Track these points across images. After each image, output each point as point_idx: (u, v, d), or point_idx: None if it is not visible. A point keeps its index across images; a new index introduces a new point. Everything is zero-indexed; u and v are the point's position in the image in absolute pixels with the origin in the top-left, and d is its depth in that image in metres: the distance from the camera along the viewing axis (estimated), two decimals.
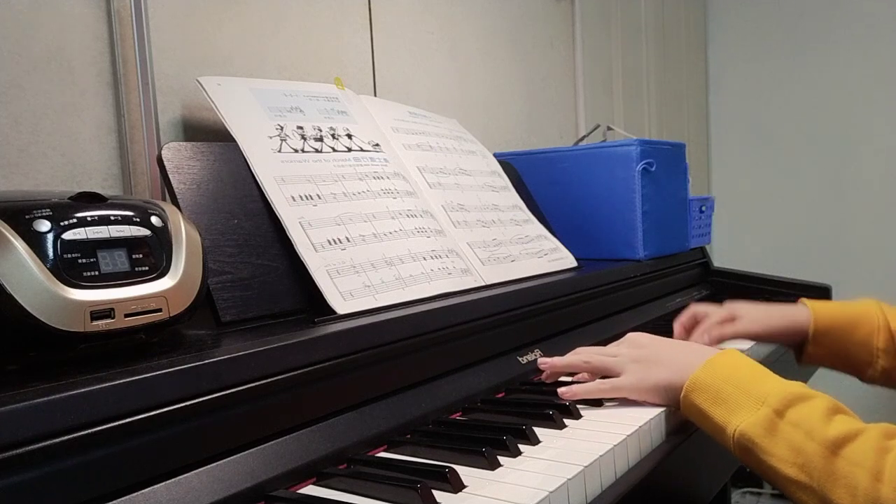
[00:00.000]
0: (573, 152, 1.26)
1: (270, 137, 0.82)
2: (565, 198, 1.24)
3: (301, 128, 0.86)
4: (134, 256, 0.55)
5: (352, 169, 0.87)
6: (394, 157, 0.95)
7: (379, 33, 1.21)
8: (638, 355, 0.74)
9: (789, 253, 2.50)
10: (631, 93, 2.08)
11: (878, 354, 0.89)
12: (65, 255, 0.51)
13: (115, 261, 0.53)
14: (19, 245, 0.49)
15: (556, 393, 0.73)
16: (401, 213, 0.87)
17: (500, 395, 0.78)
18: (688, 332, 0.95)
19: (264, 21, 1.01)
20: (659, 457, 0.66)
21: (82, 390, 0.44)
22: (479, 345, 0.79)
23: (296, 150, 0.83)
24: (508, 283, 0.92)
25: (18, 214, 0.50)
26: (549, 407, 0.69)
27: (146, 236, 0.56)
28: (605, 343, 0.82)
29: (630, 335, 0.80)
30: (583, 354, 0.78)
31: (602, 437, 0.63)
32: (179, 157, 0.74)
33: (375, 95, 1.20)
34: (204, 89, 0.82)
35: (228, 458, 0.52)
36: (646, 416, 0.68)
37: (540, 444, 0.62)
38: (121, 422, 0.46)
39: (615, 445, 0.61)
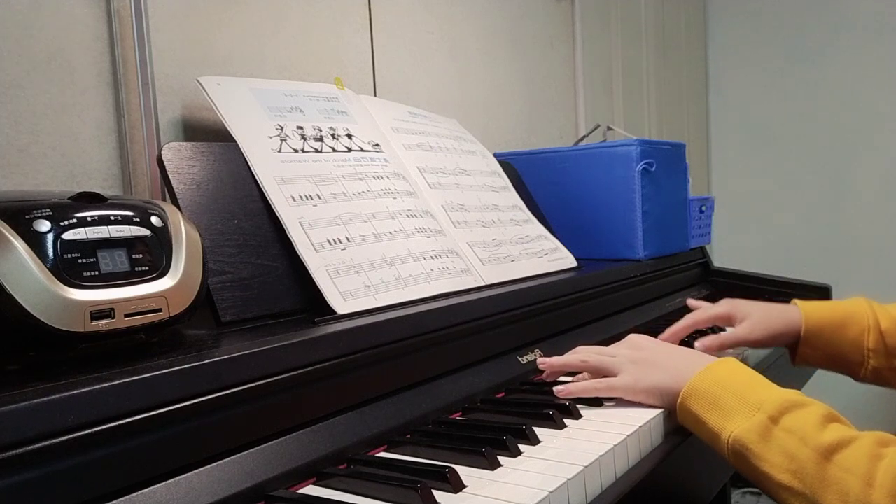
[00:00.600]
0: (573, 152, 1.26)
1: (270, 137, 0.82)
2: (565, 198, 1.24)
3: (301, 128, 0.86)
4: (134, 256, 0.55)
5: (352, 169, 0.87)
6: (394, 157, 0.95)
7: (379, 33, 1.21)
8: (637, 357, 0.75)
9: (789, 253, 2.50)
10: (631, 93, 2.08)
11: (869, 355, 0.89)
12: (65, 255, 0.51)
13: (115, 261, 0.53)
14: (19, 245, 0.49)
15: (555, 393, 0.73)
16: (401, 213, 0.87)
17: (500, 395, 0.78)
18: (678, 338, 0.94)
19: (264, 21, 1.01)
20: (659, 457, 0.66)
21: (82, 390, 0.44)
22: (479, 345, 0.79)
23: (296, 150, 0.83)
24: (508, 283, 0.92)
25: (18, 214, 0.50)
26: (549, 407, 0.69)
27: (146, 236, 0.56)
28: (605, 343, 0.82)
29: (631, 337, 0.80)
30: (581, 354, 0.78)
31: (602, 437, 0.63)
32: (179, 157, 0.74)
33: (375, 95, 1.20)
34: (204, 89, 0.82)
35: (228, 458, 0.52)
36: (646, 417, 0.68)
37: (540, 444, 0.62)
38: (121, 422, 0.46)
39: (615, 445, 0.61)
